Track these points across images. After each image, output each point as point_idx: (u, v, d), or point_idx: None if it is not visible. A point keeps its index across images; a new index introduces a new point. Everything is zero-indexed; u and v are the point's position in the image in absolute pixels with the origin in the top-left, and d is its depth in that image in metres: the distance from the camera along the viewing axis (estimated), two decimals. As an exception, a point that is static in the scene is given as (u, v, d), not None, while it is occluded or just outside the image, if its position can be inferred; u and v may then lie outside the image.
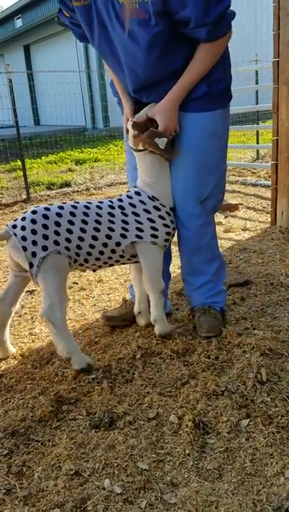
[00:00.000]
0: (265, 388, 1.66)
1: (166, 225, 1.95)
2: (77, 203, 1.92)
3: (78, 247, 1.85)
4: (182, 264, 2.18)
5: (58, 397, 1.70)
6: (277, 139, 3.58)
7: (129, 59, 1.76)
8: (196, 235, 2.04)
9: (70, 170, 7.58)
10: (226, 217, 4.25)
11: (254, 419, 1.53)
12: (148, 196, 1.95)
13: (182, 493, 1.29)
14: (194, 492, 1.29)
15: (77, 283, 2.90)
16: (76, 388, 1.78)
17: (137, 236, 1.91)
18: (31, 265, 1.78)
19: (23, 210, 5.15)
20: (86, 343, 2.13)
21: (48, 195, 5.93)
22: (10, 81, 5.38)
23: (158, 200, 1.95)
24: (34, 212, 1.83)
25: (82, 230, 1.84)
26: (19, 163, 6.32)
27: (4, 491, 1.33)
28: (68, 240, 1.82)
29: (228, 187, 5.63)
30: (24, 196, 5.80)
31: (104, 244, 1.89)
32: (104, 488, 1.31)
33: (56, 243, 1.80)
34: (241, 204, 4.62)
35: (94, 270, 2.04)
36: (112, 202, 1.95)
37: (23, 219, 1.82)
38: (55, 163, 8.34)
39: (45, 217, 1.81)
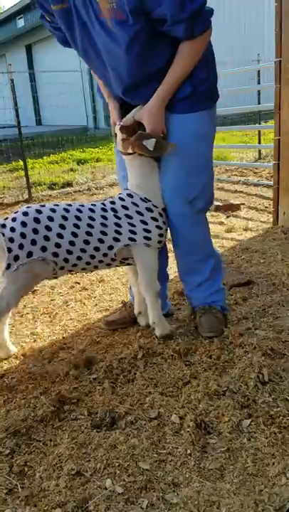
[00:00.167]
0: (267, 388, 1.66)
1: (159, 227, 1.94)
2: (70, 205, 1.89)
3: (68, 251, 1.83)
4: (178, 265, 2.18)
5: (60, 397, 1.70)
6: (279, 139, 3.58)
7: (112, 59, 1.76)
8: (187, 234, 2.04)
9: (71, 170, 7.59)
10: (227, 217, 4.25)
11: (256, 420, 1.53)
12: (140, 198, 1.94)
13: (184, 493, 1.29)
14: (196, 492, 1.29)
15: (79, 283, 2.90)
16: (78, 388, 1.78)
17: (130, 239, 1.90)
18: (8, 266, 1.76)
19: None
20: (88, 343, 2.13)
21: (50, 195, 5.94)
22: (12, 81, 5.38)
23: (150, 201, 1.95)
24: (25, 214, 1.80)
25: (74, 235, 1.82)
26: (21, 163, 6.33)
27: (6, 491, 1.33)
28: (58, 246, 1.80)
29: (230, 187, 5.63)
30: (26, 196, 5.81)
31: (96, 249, 1.87)
32: (105, 488, 1.31)
33: (43, 249, 1.78)
34: (243, 204, 4.61)
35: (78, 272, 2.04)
36: (104, 204, 1.93)
37: (14, 220, 1.79)
38: (57, 163, 8.35)
39: (36, 220, 1.79)
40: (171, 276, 2.39)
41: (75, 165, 8.09)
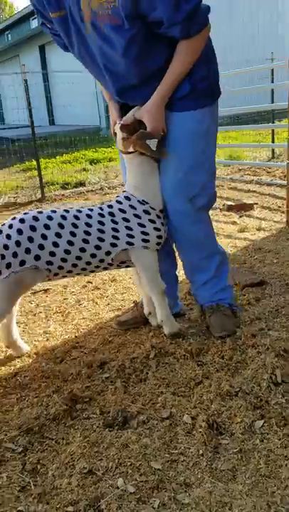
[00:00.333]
0: (280, 389, 1.65)
1: (156, 229, 1.93)
2: (67, 211, 1.88)
3: (63, 260, 1.82)
4: (183, 264, 2.18)
5: (72, 396, 1.71)
6: (293, 138, 3.54)
7: (107, 63, 1.77)
8: (188, 233, 2.03)
9: (84, 169, 7.62)
10: (240, 216, 4.22)
11: (268, 421, 1.52)
12: (138, 200, 1.94)
13: (196, 494, 1.28)
14: (208, 493, 1.28)
15: (91, 282, 2.91)
16: (90, 387, 1.79)
17: (128, 243, 1.90)
18: None
19: (38, 209, 5.18)
20: (100, 342, 2.14)
21: (63, 195, 5.97)
22: (25, 81, 5.42)
23: (148, 203, 1.94)
24: (22, 221, 1.80)
25: (70, 243, 1.81)
26: (34, 162, 6.37)
27: (19, 488, 1.34)
28: (52, 254, 1.80)
29: (243, 186, 5.60)
30: (39, 196, 5.85)
31: (93, 255, 1.86)
32: (117, 487, 1.32)
33: (37, 258, 1.78)
34: (256, 203, 4.58)
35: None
36: (102, 209, 1.92)
37: (10, 226, 1.79)
38: (70, 163, 8.38)
39: (33, 228, 1.78)
40: (182, 278, 2.38)
41: (88, 165, 8.12)
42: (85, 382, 1.82)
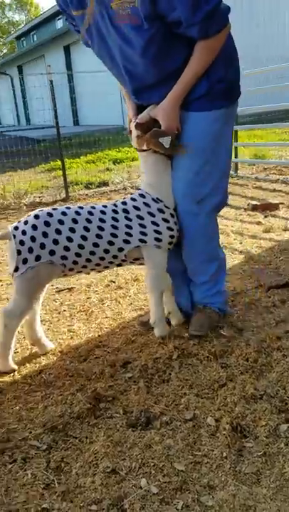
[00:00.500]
0: (306, 393, 1.62)
1: (170, 228, 1.94)
2: (81, 208, 1.91)
3: (77, 254, 1.85)
4: (184, 262, 2.17)
5: (96, 395, 1.72)
6: None
7: (126, 63, 1.78)
8: (193, 234, 2.03)
9: (107, 169, 7.65)
10: (265, 216, 4.17)
11: (294, 425, 1.50)
12: (152, 198, 1.94)
13: (219, 496, 1.28)
14: (231, 495, 1.27)
15: (114, 281, 2.92)
16: (113, 386, 1.80)
17: (141, 240, 1.91)
18: (16, 269, 1.80)
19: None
20: (122, 342, 2.14)
21: (86, 195, 6.01)
22: (51, 82, 5.47)
23: (162, 201, 1.94)
24: (37, 217, 1.83)
25: (83, 238, 1.84)
26: (59, 162, 6.43)
27: (43, 486, 1.36)
28: (67, 249, 1.82)
29: (268, 186, 5.53)
30: (63, 195, 5.90)
31: (106, 251, 1.88)
32: (140, 488, 1.32)
33: (52, 253, 1.81)
34: (282, 203, 4.51)
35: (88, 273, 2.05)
36: (116, 205, 1.94)
37: (26, 223, 1.83)
38: (94, 163, 8.43)
39: (47, 224, 1.81)
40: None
41: (111, 164, 8.16)
42: (108, 382, 1.83)
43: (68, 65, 17.59)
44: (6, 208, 5.48)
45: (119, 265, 2.00)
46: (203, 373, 1.82)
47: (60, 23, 18.39)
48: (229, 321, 2.20)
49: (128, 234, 1.90)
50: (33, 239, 1.79)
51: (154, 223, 1.92)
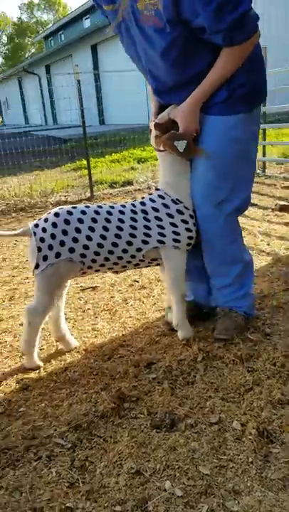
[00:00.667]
0: None
1: (188, 229, 1.92)
2: (100, 207, 1.91)
3: (96, 253, 1.85)
4: (205, 264, 2.14)
5: (120, 394, 1.72)
6: None
7: (149, 64, 1.80)
8: (212, 236, 2.00)
9: (132, 168, 7.66)
10: (292, 218, 4.09)
11: None
12: (172, 199, 1.93)
13: (245, 502, 1.25)
14: (257, 501, 1.25)
15: (138, 281, 2.92)
16: (137, 386, 1.79)
17: (159, 241, 1.90)
18: (37, 266, 1.82)
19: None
20: (146, 342, 2.14)
21: (111, 194, 6.03)
22: (78, 82, 5.50)
23: (181, 202, 1.93)
24: (57, 214, 1.85)
25: (102, 237, 1.84)
26: (84, 162, 6.47)
27: (68, 484, 1.36)
28: (86, 247, 1.83)
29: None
30: (88, 194, 5.94)
31: (124, 251, 1.88)
32: (165, 490, 1.31)
33: (71, 250, 1.82)
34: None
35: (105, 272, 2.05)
36: (134, 206, 1.94)
37: (46, 220, 1.85)
38: (118, 162, 8.46)
39: (67, 222, 1.83)
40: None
41: (136, 163, 8.16)
42: (132, 382, 1.82)
43: (95, 65, 17.70)
44: (33, 207, 5.55)
45: (136, 265, 1.99)
46: (228, 377, 1.79)
47: (87, 23, 18.52)
48: (256, 325, 2.17)
49: (146, 235, 1.90)
50: (53, 236, 1.81)
51: (172, 224, 1.91)
